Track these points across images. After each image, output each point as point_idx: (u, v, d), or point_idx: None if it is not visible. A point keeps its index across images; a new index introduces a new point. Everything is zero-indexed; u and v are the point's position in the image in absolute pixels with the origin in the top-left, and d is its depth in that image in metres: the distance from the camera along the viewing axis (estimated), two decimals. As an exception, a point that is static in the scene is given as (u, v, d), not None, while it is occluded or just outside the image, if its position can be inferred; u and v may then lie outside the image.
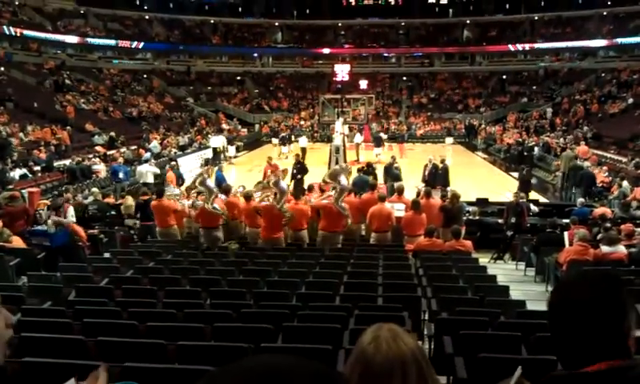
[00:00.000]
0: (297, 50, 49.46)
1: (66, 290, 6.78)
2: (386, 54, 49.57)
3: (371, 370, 1.25)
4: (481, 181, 21.21)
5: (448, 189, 14.73)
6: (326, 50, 48.24)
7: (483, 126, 36.98)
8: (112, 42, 43.88)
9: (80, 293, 6.64)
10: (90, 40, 42.60)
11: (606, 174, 18.53)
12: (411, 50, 48.64)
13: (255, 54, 49.30)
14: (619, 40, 41.47)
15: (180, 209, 11.28)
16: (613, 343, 1.31)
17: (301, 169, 18.00)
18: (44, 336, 4.61)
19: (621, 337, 1.30)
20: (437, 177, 17.54)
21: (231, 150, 29.39)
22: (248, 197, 10.66)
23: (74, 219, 10.52)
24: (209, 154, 28.93)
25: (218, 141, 30.24)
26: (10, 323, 1.56)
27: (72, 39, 41.43)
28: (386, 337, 1.30)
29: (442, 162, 18.30)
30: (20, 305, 5.88)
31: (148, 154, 23.81)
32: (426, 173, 18.13)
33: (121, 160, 21.46)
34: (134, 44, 44.90)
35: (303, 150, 27.33)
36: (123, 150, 25.60)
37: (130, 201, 12.96)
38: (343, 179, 10.73)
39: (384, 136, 34.10)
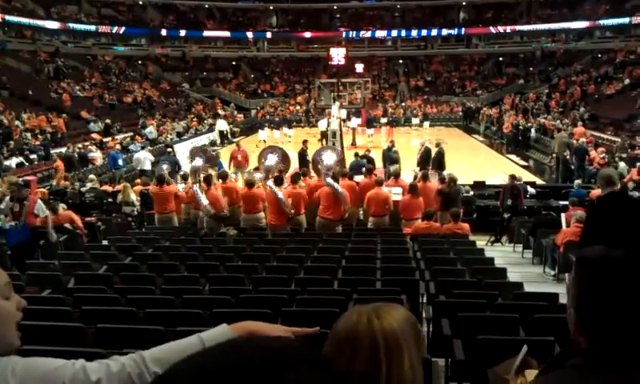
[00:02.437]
0: (291, 34, 49.13)
1: (65, 278, 6.80)
2: (381, 37, 49.21)
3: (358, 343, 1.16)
4: (478, 164, 21.21)
5: (445, 173, 14.70)
6: (321, 34, 47.97)
7: (485, 109, 36.77)
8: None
9: (79, 280, 6.65)
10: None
11: (603, 155, 18.54)
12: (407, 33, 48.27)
13: (250, 37, 48.93)
14: (602, 22, 41.65)
15: (179, 193, 11.30)
16: None
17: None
18: (43, 324, 4.62)
19: None
20: (428, 160, 17.42)
21: (262, 134, 29.12)
22: (251, 184, 10.63)
23: (44, 213, 9.16)
24: (204, 140, 29.01)
25: (223, 124, 31.33)
26: (22, 307, 1.62)
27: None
28: (367, 312, 1.25)
29: (437, 145, 18.22)
30: (19, 293, 5.88)
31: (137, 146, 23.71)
32: (418, 156, 18.07)
33: (119, 147, 21.42)
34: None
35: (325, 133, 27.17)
36: (120, 136, 25.58)
37: (128, 188, 12.96)
38: (328, 157, 10.82)
39: (383, 120, 34.06)
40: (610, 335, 1.22)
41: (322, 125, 27.97)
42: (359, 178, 11.70)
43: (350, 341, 1.15)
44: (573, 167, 18.19)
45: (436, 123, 37.05)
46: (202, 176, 11.01)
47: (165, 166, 13.39)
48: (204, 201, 10.17)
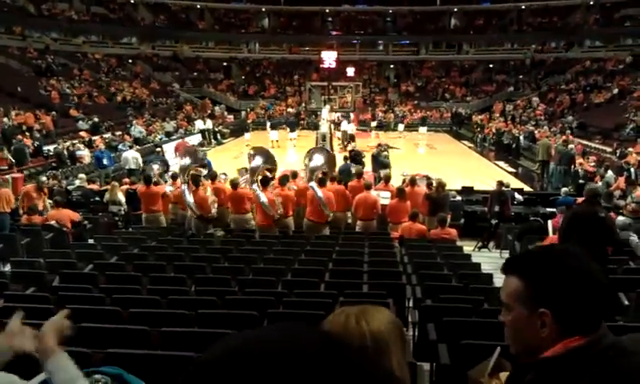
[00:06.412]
0: (284, 37, 49.15)
1: (50, 276, 6.75)
2: (373, 41, 49.35)
3: None
4: (466, 169, 21.31)
5: (433, 177, 14.73)
6: (313, 37, 48.05)
7: (475, 116, 36.78)
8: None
9: (64, 279, 6.61)
10: None
11: (593, 164, 18.64)
12: (399, 38, 48.49)
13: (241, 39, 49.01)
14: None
15: (167, 193, 11.26)
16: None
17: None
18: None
19: None
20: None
21: (292, 135, 29.35)
22: (235, 184, 10.61)
23: None
24: (193, 140, 28.99)
25: (201, 124, 31.61)
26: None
27: None
28: (354, 313, 1.31)
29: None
30: (3, 290, 5.84)
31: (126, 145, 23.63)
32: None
33: (102, 146, 21.15)
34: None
35: (352, 136, 27.12)
36: (107, 135, 25.41)
37: (115, 188, 12.88)
38: (316, 158, 10.78)
39: (373, 124, 34.20)
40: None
41: (344, 126, 28.19)
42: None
43: None
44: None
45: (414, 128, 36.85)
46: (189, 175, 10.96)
47: (156, 167, 13.30)
48: (190, 199, 10.12)
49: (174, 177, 12.36)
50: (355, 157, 17.50)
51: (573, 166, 18.09)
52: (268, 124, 32.68)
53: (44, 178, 12.81)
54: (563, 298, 1.29)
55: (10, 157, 17.64)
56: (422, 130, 34.15)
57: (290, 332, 0.73)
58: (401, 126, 34.77)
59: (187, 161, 11.59)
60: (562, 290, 1.29)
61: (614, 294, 5.93)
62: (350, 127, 28.67)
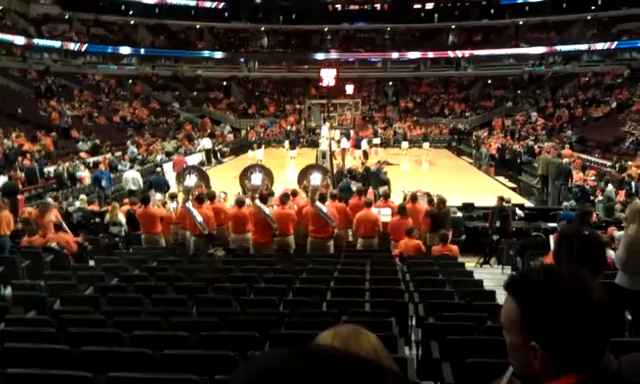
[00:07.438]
0: (283, 55, 49.39)
1: (51, 300, 6.71)
2: (372, 59, 49.60)
3: None
4: (467, 185, 21.30)
5: (434, 193, 14.74)
6: (313, 55, 48.29)
7: (476, 133, 36.81)
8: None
9: (65, 302, 6.57)
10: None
11: (593, 178, 18.64)
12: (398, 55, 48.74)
13: (241, 59, 49.23)
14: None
15: (166, 215, 11.23)
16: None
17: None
18: (28, 346, 4.55)
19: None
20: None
21: (292, 152, 29.99)
22: (241, 203, 10.58)
23: None
24: (193, 160, 28.98)
25: (208, 142, 31.56)
26: None
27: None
28: (347, 334, 1.29)
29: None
30: (4, 314, 5.82)
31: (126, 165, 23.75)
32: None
33: (102, 167, 21.04)
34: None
35: (365, 153, 27.19)
36: (108, 156, 25.41)
37: (116, 208, 12.86)
38: (315, 177, 10.81)
39: (376, 140, 34.30)
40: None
41: (344, 143, 28.56)
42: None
43: None
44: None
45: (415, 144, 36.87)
46: (194, 194, 10.97)
47: (159, 196, 13.27)
48: (199, 218, 10.11)
49: (173, 197, 12.34)
50: (349, 174, 17.59)
51: (570, 181, 18.01)
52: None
53: (50, 200, 12.84)
54: (555, 333, 1.20)
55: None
56: (425, 145, 34.13)
57: (313, 357, 0.71)
58: (405, 144, 34.72)
59: (194, 179, 11.61)
60: (554, 323, 1.21)
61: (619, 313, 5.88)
62: (362, 143, 29.31)
